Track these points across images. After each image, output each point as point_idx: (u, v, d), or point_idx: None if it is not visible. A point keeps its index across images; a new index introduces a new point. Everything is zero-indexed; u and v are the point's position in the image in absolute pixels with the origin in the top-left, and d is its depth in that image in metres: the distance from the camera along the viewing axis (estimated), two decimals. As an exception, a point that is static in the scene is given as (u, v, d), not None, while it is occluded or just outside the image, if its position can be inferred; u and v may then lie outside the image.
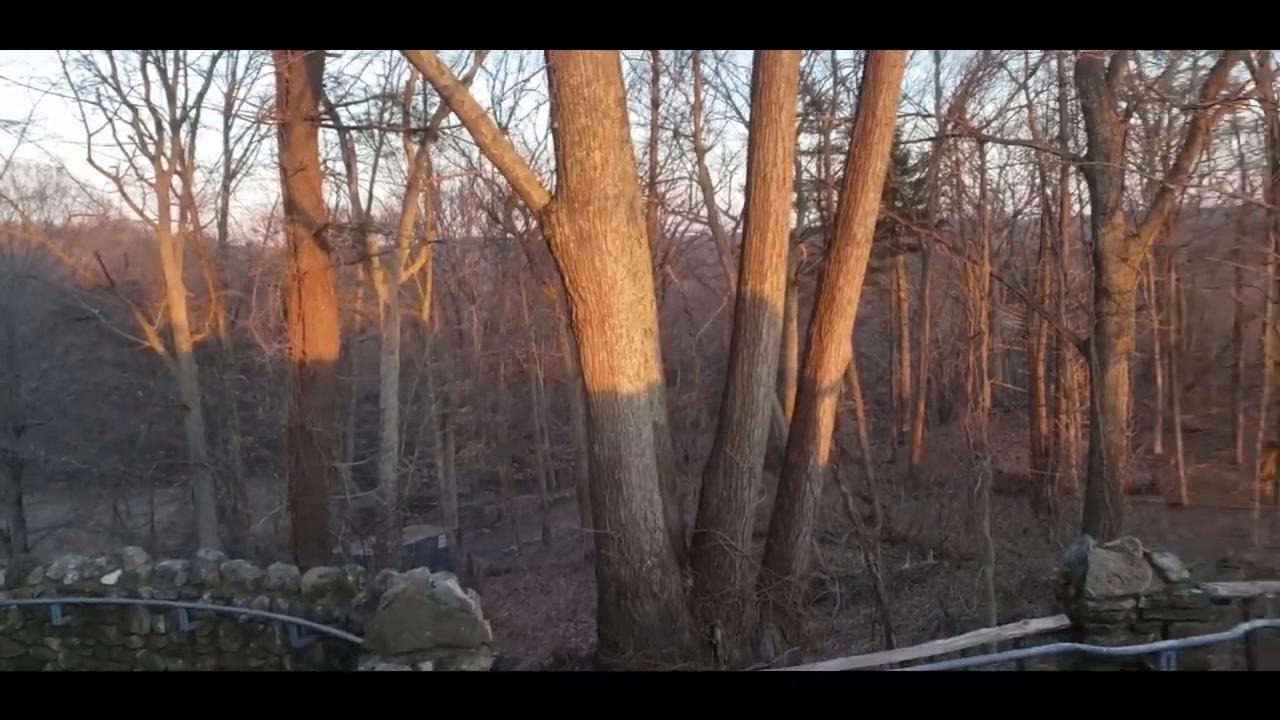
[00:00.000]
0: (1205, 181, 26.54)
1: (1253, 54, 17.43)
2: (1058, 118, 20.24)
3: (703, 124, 21.36)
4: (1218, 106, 15.25)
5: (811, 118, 22.86)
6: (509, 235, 22.26)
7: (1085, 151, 16.10)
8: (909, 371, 27.37)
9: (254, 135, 22.54)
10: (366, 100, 21.06)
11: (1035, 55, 19.35)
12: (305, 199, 14.22)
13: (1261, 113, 19.93)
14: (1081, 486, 18.01)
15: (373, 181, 44.03)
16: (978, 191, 24.39)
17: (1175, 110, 21.14)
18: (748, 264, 8.96)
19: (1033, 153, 21.22)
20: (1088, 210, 18.52)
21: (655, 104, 21.59)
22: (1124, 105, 16.44)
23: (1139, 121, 23.21)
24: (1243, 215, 23.48)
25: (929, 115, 21.47)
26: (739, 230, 16.55)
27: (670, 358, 28.12)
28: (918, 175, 26.70)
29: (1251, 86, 17.39)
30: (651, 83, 21.40)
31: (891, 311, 28.75)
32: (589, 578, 15.17)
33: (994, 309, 22.82)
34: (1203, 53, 19.33)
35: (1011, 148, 23.09)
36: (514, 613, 16.24)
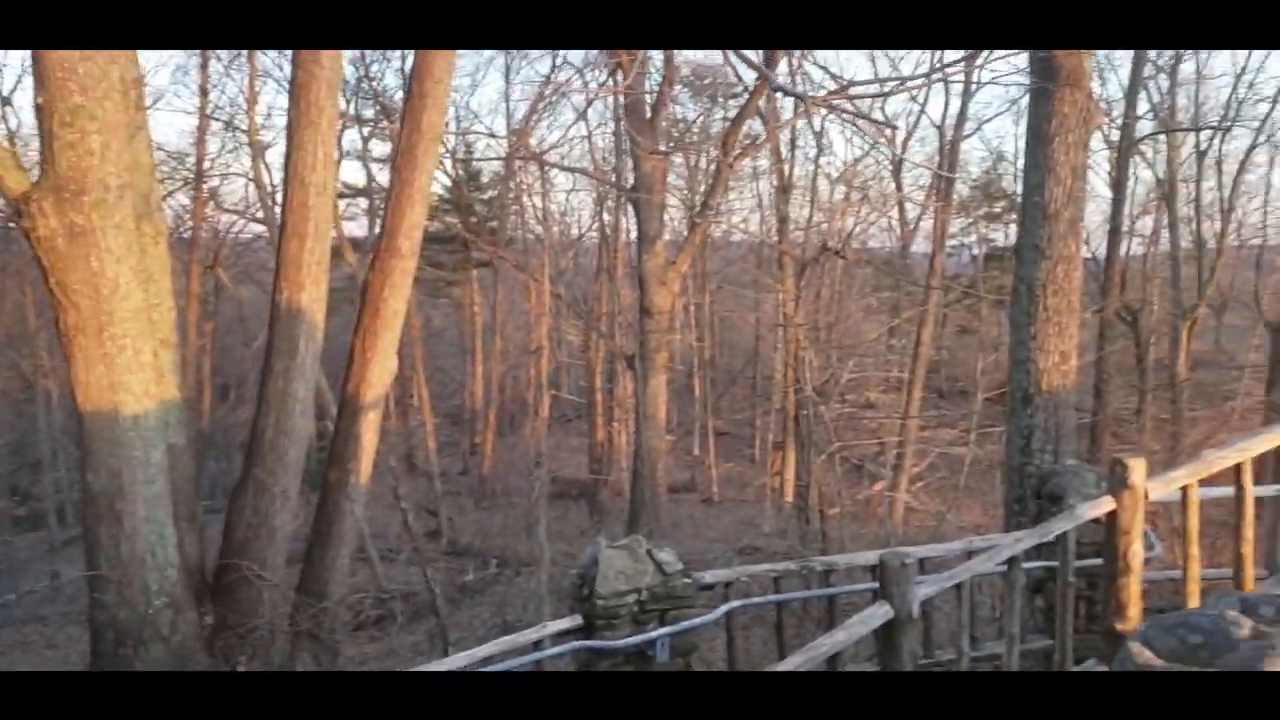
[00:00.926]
0: (734, 218, 30.92)
1: (763, 107, 20.53)
2: (615, 150, 22.05)
3: (260, 120, 19.88)
4: (737, 154, 17.70)
5: (383, 125, 22.42)
6: (10, 225, 18.74)
7: (632, 184, 17.71)
8: (482, 384, 27.94)
9: None
10: None
11: (594, 88, 20.94)
12: None
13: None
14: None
15: None
16: (546, 213, 25.73)
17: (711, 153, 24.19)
18: (284, 271, 8.39)
19: (594, 180, 22.89)
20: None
21: (204, 92, 19.67)
22: (664, 145, 18.44)
23: (682, 160, 26.26)
24: (760, 249, 27.45)
25: (499, 136, 22.15)
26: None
27: (225, 371, 25.70)
28: (490, 193, 27.48)
29: (764, 139, 20.37)
30: (200, 68, 19.47)
31: (466, 324, 29.15)
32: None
33: (557, 325, 24.20)
34: (732, 104, 22.29)
35: (579, 174, 24.66)
36: (5, 676, 13.50)
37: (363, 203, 25.24)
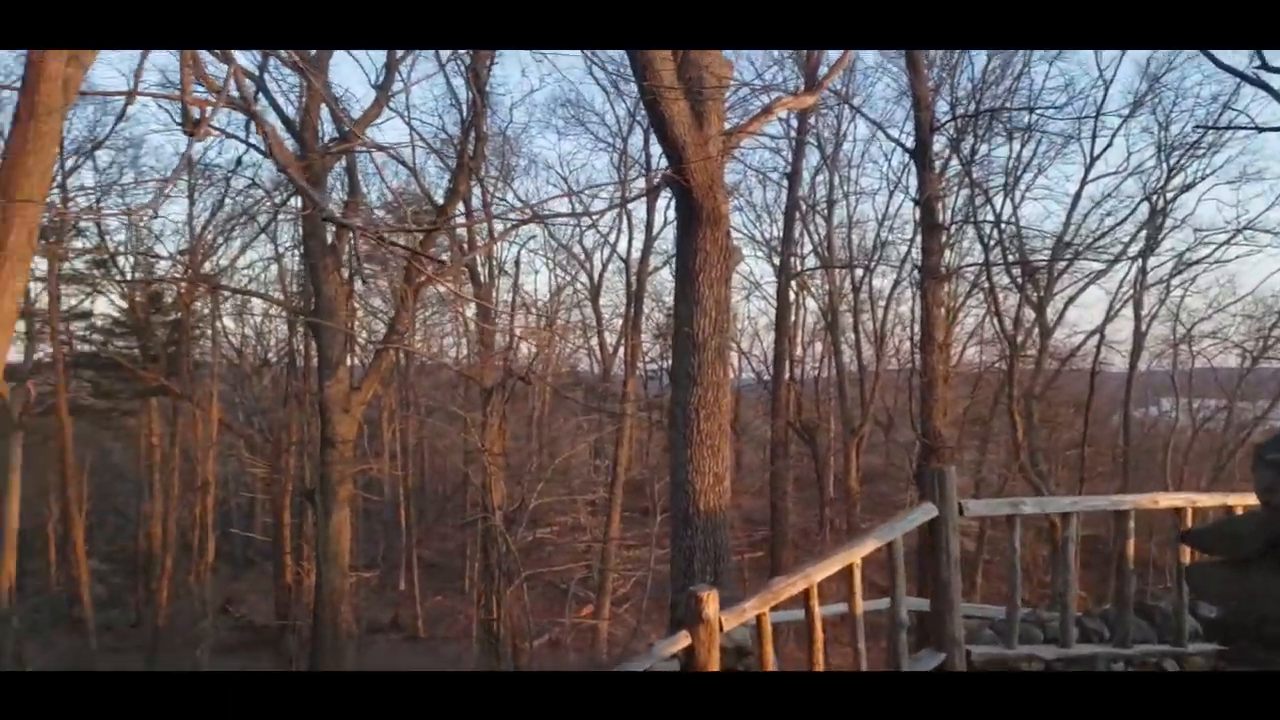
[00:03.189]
0: (442, 342, 30.59)
1: (460, 233, 20.61)
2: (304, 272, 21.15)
3: None
4: (421, 280, 17.52)
5: None
6: None
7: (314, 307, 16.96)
8: (160, 523, 25.02)
9: None
10: None
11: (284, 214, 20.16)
12: None
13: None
14: (320, 633, 18.16)
15: None
16: (216, 338, 24.03)
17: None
18: None
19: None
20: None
21: None
22: (348, 270, 17.92)
23: (386, 284, 25.71)
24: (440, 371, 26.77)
25: (163, 258, 20.53)
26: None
27: None
28: (174, 315, 25.42)
29: (450, 265, 20.14)
30: None
31: (143, 457, 26.20)
32: None
33: (240, 456, 22.33)
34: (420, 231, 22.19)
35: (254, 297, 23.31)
36: None
37: None
